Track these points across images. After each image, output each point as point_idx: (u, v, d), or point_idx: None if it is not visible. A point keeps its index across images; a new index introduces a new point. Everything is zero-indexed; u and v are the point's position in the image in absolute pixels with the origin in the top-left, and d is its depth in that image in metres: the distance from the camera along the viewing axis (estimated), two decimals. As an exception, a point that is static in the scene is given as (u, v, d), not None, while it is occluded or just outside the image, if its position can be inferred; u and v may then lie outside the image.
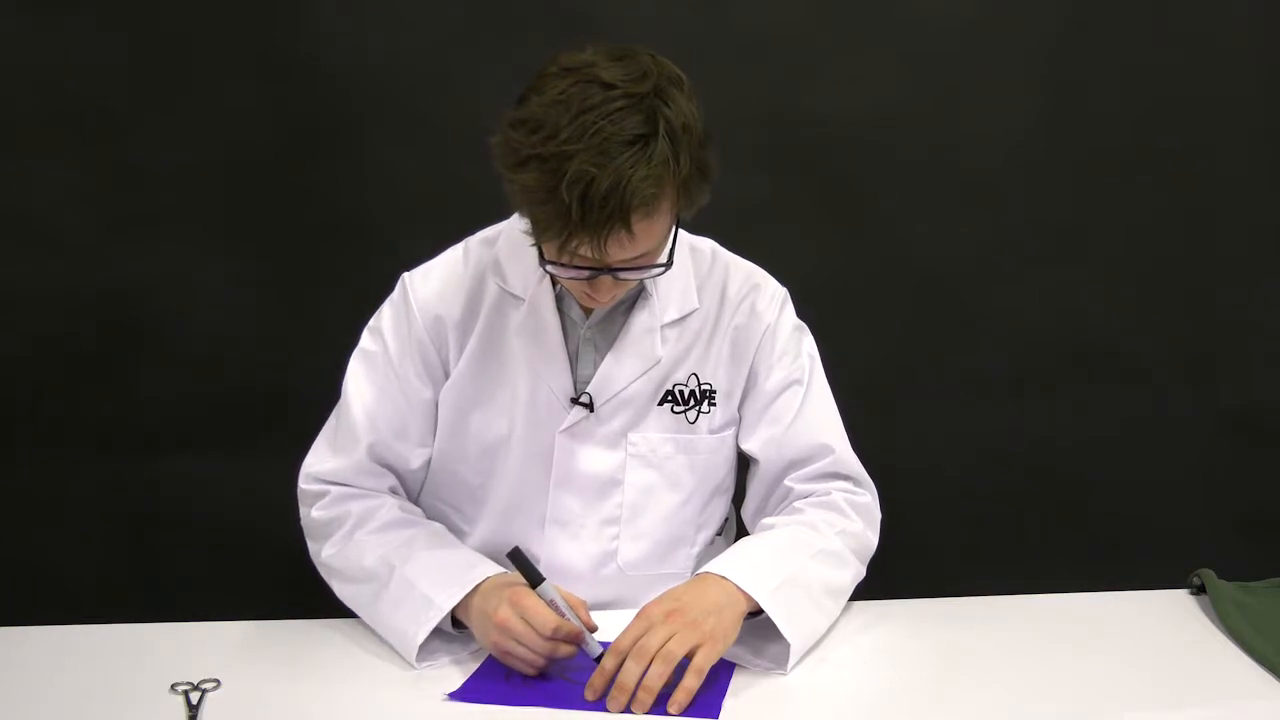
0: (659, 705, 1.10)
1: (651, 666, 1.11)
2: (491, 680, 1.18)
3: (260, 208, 1.99)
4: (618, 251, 1.17)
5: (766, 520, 1.38)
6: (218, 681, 1.17)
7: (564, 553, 1.38)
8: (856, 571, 1.34)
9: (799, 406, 1.41)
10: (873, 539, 1.39)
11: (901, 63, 1.99)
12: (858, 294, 2.06)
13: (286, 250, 2.00)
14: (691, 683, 1.11)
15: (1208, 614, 1.32)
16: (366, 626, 1.30)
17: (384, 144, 1.97)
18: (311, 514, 1.38)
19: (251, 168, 1.97)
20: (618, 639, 1.13)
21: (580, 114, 1.11)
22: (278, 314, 2.01)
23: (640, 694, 1.10)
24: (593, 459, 1.37)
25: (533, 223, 1.18)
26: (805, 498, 1.39)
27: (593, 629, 1.19)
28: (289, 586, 2.01)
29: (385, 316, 1.40)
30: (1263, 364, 2.13)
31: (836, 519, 1.35)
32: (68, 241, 1.97)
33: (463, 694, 1.15)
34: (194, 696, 1.14)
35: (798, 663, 1.21)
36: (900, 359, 2.09)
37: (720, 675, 1.18)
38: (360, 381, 1.38)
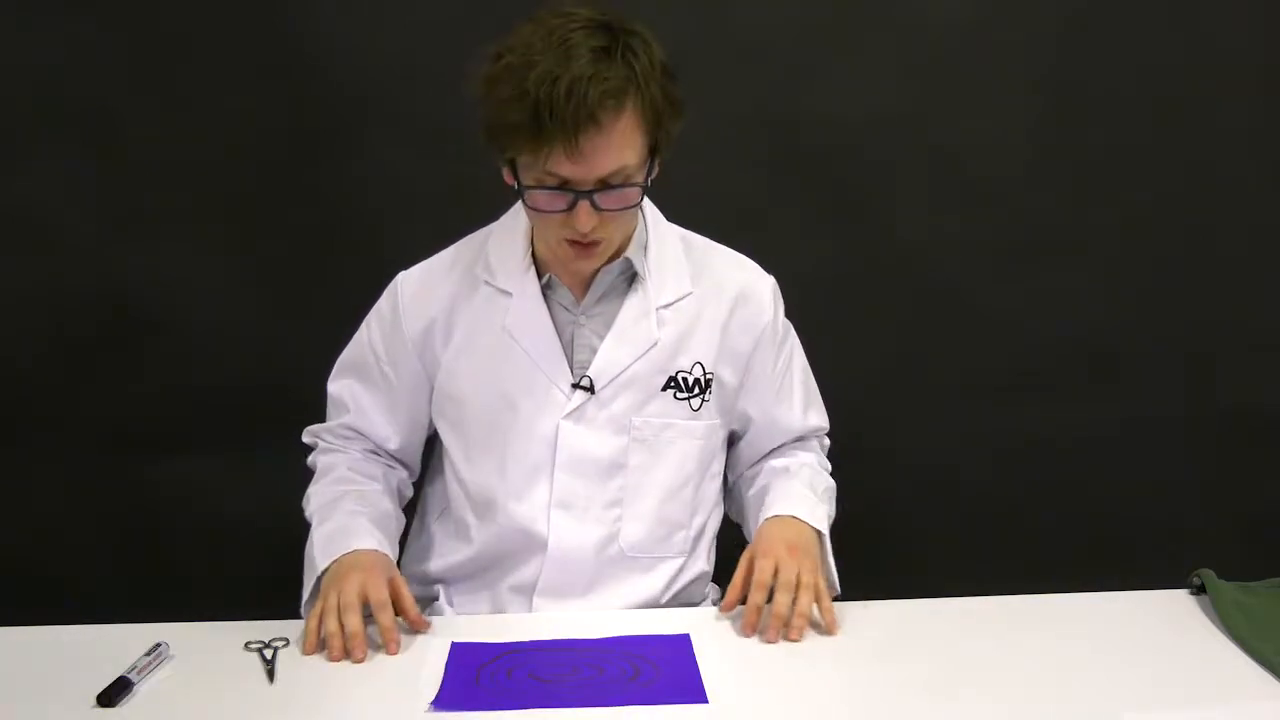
0: (651, 692, 1.13)
1: (800, 596, 1.26)
2: (465, 685, 1.16)
3: (260, 208, 1.99)
4: (593, 154, 1.21)
5: (776, 463, 1.51)
6: (287, 640, 1.24)
7: (570, 536, 1.40)
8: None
9: (793, 392, 1.51)
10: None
11: (902, 63, 1.99)
12: (858, 294, 2.06)
13: (286, 250, 2.00)
14: (829, 604, 1.27)
15: (1208, 614, 1.31)
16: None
17: (384, 144, 1.97)
18: (307, 461, 1.55)
19: (251, 168, 1.97)
20: (758, 577, 1.27)
21: (547, 35, 1.21)
22: (278, 314, 2.01)
23: (796, 619, 1.25)
24: (596, 442, 1.40)
25: (509, 139, 1.23)
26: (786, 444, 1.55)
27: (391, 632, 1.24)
28: (289, 586, 2.02)
29: (377, 313, 1.49)
30: (1263, 364, 2.13)
31: (822, 459, 1.56)
32: (68, 241, 1.97)
33: (443, 703, 1.13)
34: (268, 653, 1.22)
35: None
36: (900, 359, 2.09)
37: (686, 659, 1.20)
38: (349, 363, 1.50)
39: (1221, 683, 1.17)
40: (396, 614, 1.26)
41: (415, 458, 1.55)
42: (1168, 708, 1.12)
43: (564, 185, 1.24)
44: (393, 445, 1.50)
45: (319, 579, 1.32)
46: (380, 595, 1.25)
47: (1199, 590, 1.36)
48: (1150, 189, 2.06)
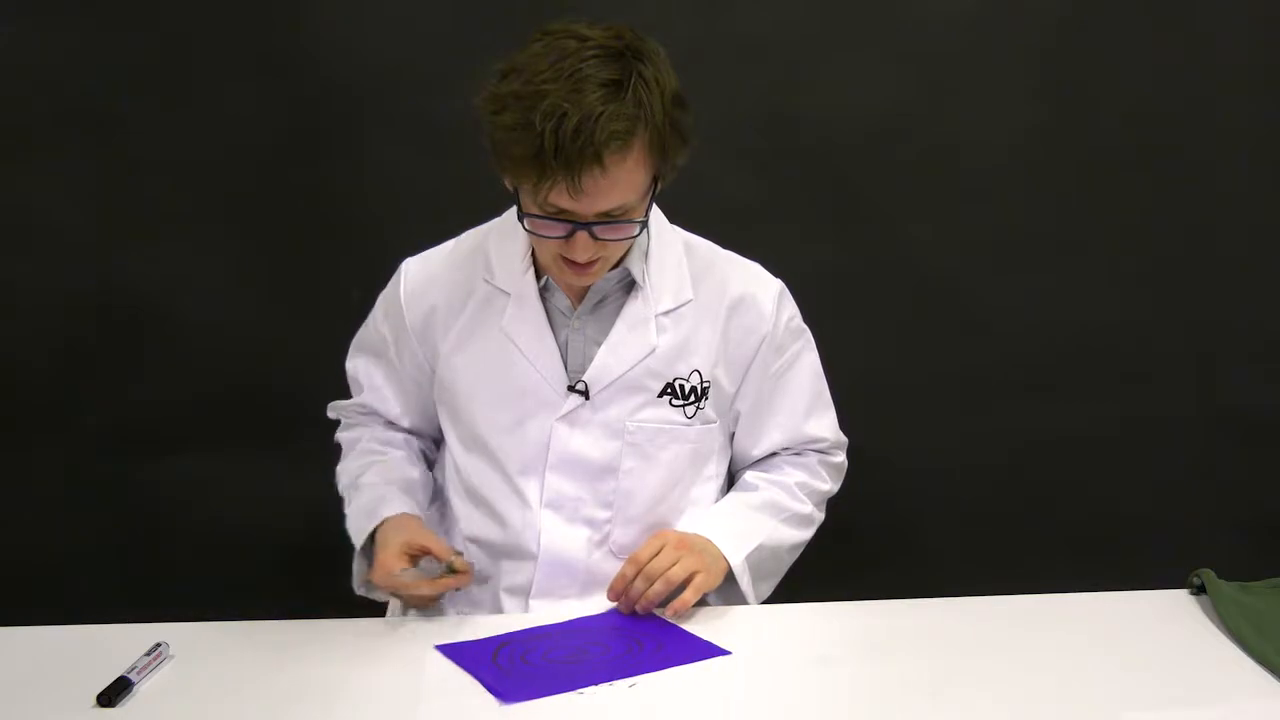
0: (672, 656, 1.20)
1: (656, 584, 1.28)
2: (502, 675, 1.17)
3: (260, 208, 1.99)
4: (594, 193, 1.20)
5: (749, 477, 1.51)
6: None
7: (560, 537, 1.41)
8: (818, 521, 1.53)
9: (795, 399, 1.49)
10: (834, 490, 1.56)
11: (901, 63, 1.99)
12: (857, 294, 2.06)
13: (286, 250, 2.00)
14: (689, 596, 1.29)
15: (1208, 614, 1.31)
16: (367, 625, 1.33)
17: (384, 144, 1.97)
18: (335, 438, 1.59)
19: (251, 168, 1.97)
20: (636, 553, 1.31)
21: (557, 61, 1.18)
22: (278, 314, 2.01)
23: (642, 601, 1.29)
24: (589, 445, 1.40)
25: (512, 167, 1.22)
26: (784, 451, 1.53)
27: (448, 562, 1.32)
28: (289, 586, 2.01)
29: (384, 297, 1.50)
30: (1263, 364, 2.13)
31: (809, 480, 1.50)
32: (68, 241, 1.97)
33: (509, 694, 1.13)
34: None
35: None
36: (900, 359, 2.09)
37: (672, 627, 1.28)
38: (362, 341, 1.53)
39: (1221, 683, 1.17)
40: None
41: (435, 431, 1.56)
42: (1168, 708, 1.12)
43: (563, 215, 1.23)
44: (405, 423, 1.53)
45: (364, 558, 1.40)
46: (401, 581, 1.31)
47: (1199, 590, 1.36)
48: (1150, 188, 2.06)
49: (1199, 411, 2.14)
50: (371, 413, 1.54)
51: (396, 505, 1.39)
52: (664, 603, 1.31)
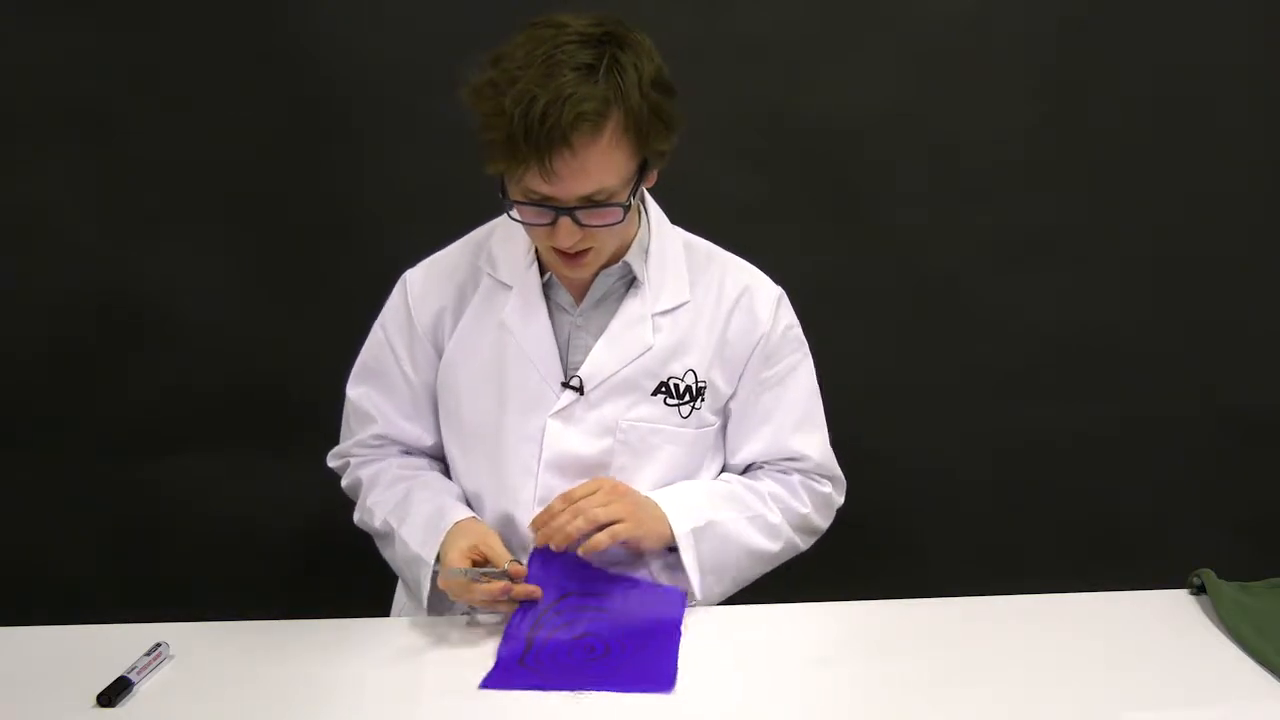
0: (623, 676, 1.20)
1: (578, 520, 1.29)
2: (513, 665, 1.20)
3: (260, 207, 1.99)
4: (567, 176, 1.20)
5: (724, 477, 1.48)
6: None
7: None
8: (790, 544, 1.46)
9: (785, 411, 1.46)
10: (820, 523, 1.51)
11: (901, 63, 1.99)
12: (857, 293, 2.06)
13: (286, 250, 2.00)
14: (601, 539, 1.28)
15: (1208, 614, 1.31)
16: (367, 625, 1.33)
17: (384, 144, 1.97)
18: (342, 485, 1.52)
19: (251, 168, 1.97)
20: (570, 490, 1.33)
21: (534, 48, 1.20)
22: (278, 314, 2.01)
23: (558, 536, 1.29)
24: (582, 443, 1.40)
25: (491, 154, 1.22)
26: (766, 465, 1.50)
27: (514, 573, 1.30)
28: (289, 586, 2.02)
29: (390, 311, 1.48)
30: (1263, 364, 2.13)
31: (784, 494, 1.46)
32: (68, 241, 1.97)
33: (491, 682, 1.17)
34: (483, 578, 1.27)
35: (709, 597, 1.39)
36: (900, 359, 2.09)
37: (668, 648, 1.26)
38: (366, 369, 1.48)
39: (1221, 683, 1.17)
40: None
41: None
42: (1168, 708, 1.12)
43: (545, 201, 1.24)
44: (427, 443, 1.49)
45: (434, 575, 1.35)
46: (458, 582, 1.28)
47: (1199, 590, 1.36)
48: (1150, 188, 2.06)
49: (1199, 411, 2.14)
50: (386, 443, 1.49)
51: (461, 512, 1.37)
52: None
